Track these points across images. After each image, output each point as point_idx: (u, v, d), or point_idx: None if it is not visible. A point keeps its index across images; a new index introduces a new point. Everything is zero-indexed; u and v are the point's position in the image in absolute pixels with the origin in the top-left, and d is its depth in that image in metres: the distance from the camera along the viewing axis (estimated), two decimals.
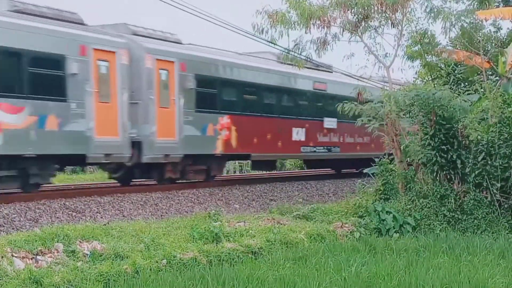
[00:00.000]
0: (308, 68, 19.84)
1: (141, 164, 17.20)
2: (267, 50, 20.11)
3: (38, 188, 15.16)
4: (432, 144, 14.49)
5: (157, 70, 17.26)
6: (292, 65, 18.23)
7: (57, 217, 13.05)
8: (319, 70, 22.97)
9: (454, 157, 14.35)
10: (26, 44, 14.25)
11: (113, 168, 17.73)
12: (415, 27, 17.67)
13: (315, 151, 23.15)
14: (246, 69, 20.55)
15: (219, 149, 19.19)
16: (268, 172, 26.47)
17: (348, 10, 17.04)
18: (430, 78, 21.52)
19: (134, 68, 16.71)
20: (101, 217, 13.57)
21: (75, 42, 15.28)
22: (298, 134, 22.24)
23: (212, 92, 19.16)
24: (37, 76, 14.52)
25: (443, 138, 14.43)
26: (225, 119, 19.22)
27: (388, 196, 15.37)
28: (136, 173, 17.97)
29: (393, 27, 17.49)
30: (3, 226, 11.91)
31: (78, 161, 16.38)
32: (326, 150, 23.56)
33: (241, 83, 20.29)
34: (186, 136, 17.96)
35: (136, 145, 16.81)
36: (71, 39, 15.25)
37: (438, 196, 14.34)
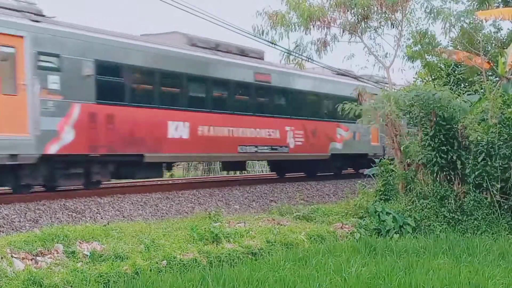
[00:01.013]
0: None
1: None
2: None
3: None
4: (432, 145, 14.48)
5: None
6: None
7: (57, 218, 13.04)
8: None
9: (454, 157, 14.34)
10: (343, 92, 22.78)
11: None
12: (416, 27, 17.70)
13: None
14: None
15: None
16: None
17: (347, 10, 17.06)
18: (430, 79, 21.54)
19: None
20: (101, 218, 13.57)
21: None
22: None
23: None
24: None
25: (443, 139, 14.42)
26: None
27: (388, 197, 15.38)
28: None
29: (393, 27, 17.52)
30: (3, 227, 11.90)
31: (363, 157, 25.39)
32: None
33: None
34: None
35: None
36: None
37: (438, 197, 14.33)
